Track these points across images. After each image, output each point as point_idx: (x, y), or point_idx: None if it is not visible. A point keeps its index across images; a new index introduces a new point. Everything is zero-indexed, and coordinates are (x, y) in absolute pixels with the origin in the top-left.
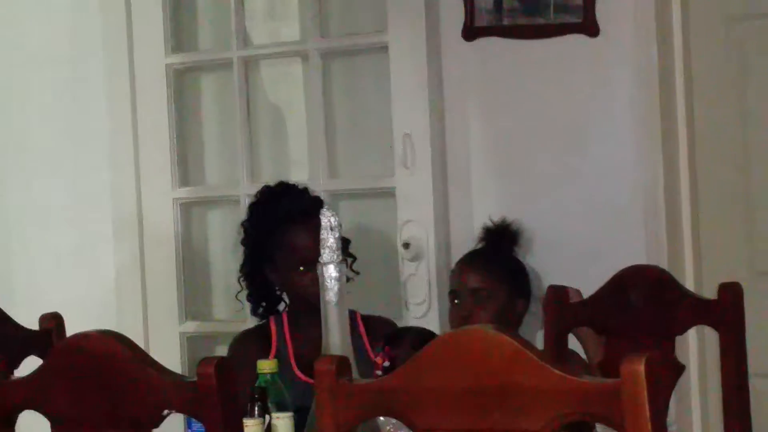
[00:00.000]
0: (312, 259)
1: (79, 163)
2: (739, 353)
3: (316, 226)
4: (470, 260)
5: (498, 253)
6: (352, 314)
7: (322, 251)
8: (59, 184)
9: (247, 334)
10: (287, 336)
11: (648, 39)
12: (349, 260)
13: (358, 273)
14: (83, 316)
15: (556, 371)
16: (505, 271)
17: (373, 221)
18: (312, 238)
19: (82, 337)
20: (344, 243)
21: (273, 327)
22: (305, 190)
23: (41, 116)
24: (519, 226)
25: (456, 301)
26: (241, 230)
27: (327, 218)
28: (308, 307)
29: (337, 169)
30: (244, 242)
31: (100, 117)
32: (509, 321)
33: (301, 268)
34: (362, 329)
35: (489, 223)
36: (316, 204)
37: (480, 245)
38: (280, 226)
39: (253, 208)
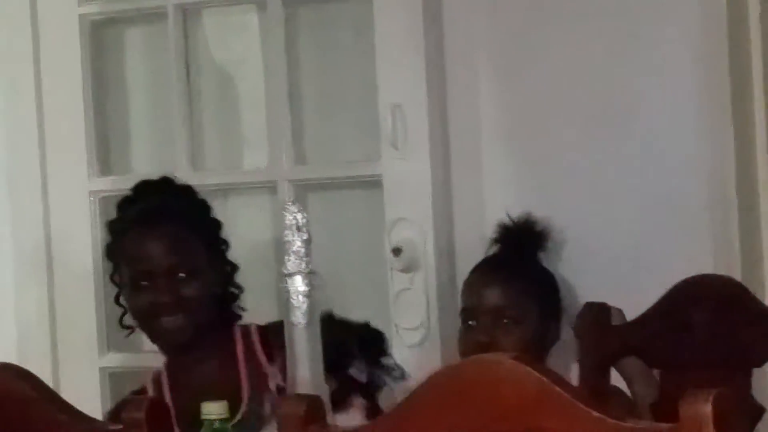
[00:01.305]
0: (157, 268)
1: None
2: None
3: (167, 228)
4: (490, 269)
5: (523, 261)
6: (246, 329)
7: (286, 258)
8: None
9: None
10: (166, 388)
11: None
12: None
13: (243, 309)
14: None
15: (595, 413)
16: (534, 284)
17: (352, 220)
18: (158, 240)
19: None
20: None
21: (150, 385)
22: (178, 188)
23: None
24: (546, 225)
25: (470, 322)
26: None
27: (292, 215)
28: (160, 344)
29: (304, 151)
30: (111, 278)
31: None
32: (538, 350)
33: (144, 283)
34: (258, 343)
35: (508, 221)
36: (177, 203)
37: (496, 250)
38: (123, 239)
39: (109, 226)
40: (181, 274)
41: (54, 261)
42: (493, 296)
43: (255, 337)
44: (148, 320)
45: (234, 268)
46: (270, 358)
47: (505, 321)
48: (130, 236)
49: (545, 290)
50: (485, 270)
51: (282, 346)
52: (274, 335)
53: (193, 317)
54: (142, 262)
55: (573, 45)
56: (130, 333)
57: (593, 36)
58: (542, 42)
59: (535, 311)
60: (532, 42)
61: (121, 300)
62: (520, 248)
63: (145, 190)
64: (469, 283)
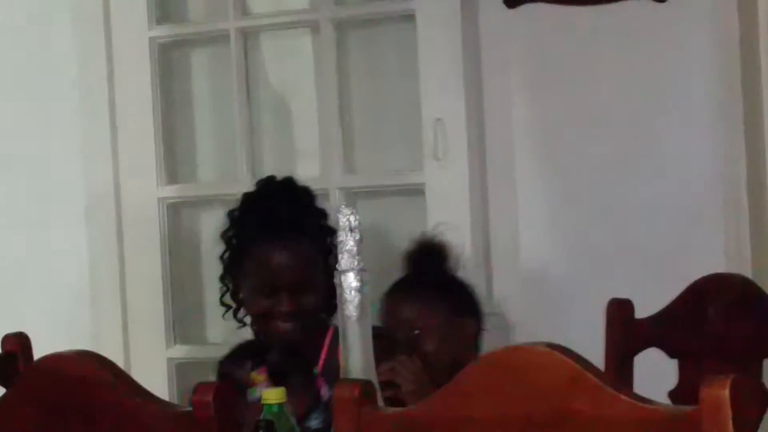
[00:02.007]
0: (283, 283)
1: (47, 158)
2: None
3: (294, 243)
4: (397, 291)
5: (428, 277)
6: (337, 331)
7: (339, 257)
8: (22, 181)
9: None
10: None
11: (728, 3)
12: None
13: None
14: (51, 338)
15: (624, 397)
16: (440, 294)
17: (397, 225)
18: (286, 256)
19: (57, 360)
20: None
21: None
22: (300, 194)
23: (4, 101)
24: (444, 240)
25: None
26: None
27: (346, 217)
28: (270, 340)
29: (354, 162)
30: (221, 259)
31: (72, 102)
32: (467, 345)
33: (266, 290)
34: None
35: (411, 246)
36: (302, 213)
37: (404, 273)
38: (249, 241)
39: (230, 215)
40: (303, 287)
41: (126, 263)
42: (405, 314)
43: (312, 389)
44: (265, 321)
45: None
46: None
47: (416, 332)
48: (259, 246)
49: (455, 295)
50: (394, 293)
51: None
52: None
53: (306, 324)
54: (269, 274)
55: (598, 67)
56: (242, 326)
57: (617, 60)
58: (571, 64)
59: (443, 314)
60: (562, 64)
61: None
62: (425, 267)
63: (271, 191)
64: (382, 309)
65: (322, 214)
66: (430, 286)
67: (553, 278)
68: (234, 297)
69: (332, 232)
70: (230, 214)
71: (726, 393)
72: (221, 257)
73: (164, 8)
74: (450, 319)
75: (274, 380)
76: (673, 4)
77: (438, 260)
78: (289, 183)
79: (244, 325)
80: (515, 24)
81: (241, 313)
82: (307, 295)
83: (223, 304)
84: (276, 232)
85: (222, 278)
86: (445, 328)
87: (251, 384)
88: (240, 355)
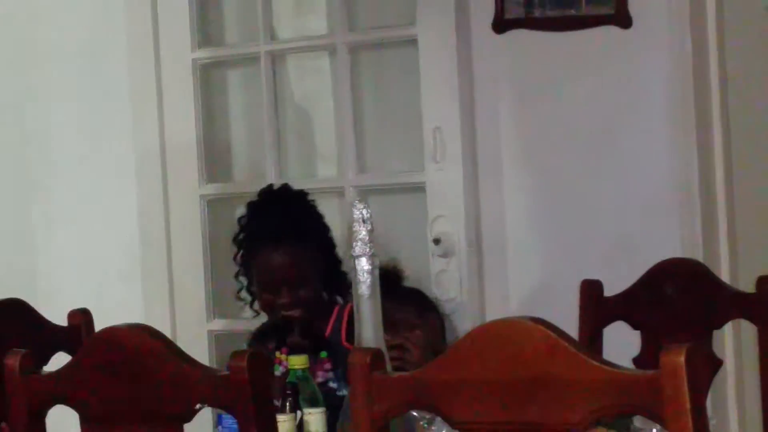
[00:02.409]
0: (282, 279)
1: (104, 161)
2: None
3: (289, 245)
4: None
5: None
6: (341, 310)
7: (354, 244)
8: (84, 182)
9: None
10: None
11: (682, 30)
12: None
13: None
14: (110, 316)
15: (596, 362)
16: (405, 303)
17: (402, 217)
18: (283, 257)
19: (114, 332)
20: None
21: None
22: (294, 199)
23: (65, 111)
24: (395, 263)
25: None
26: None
27: (359, 210)
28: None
29: (365, 164)
30: (235, 260)
31: (126, 113)
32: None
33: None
34: (345, 322)
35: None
36: (297, 216)
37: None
38: (253, 245)
39: (239, 222)
40: (298, 286)
41: (173, 250)
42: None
43: (344, 317)
44: (272, 311)
45: (339, 262)
46: (348, 337)
47: (407, 336)
48: (261, 249)
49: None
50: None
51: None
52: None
53: (307, 308)
54: (269, 273)
55: (573, 83)
56: (256, 315)
57: (589, 77)
58: (550, 81)
59: (427, 320)
60: (542, 81)
61: (248, 285)
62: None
63: (271, 198)
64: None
65: (316, 215)
66: (395, 301)
67: (535, 262)
68: (248, 291)
69: (326, 229)
70: (239, 221)
71: (682, 359)
72: (234, 258)
73: (205, 33)
74: (419, 318)
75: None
76: (635, 30)
77: (394, 279)
78: (285, 190)
79: (258, 314)
80: (502, 47)
81: (256, 304)
82: (305, 287)
83: (239, 299)
84: (274, 237)
85: (236, 276)
86: (418, 324)
87: (275, 362)
88: (263, 336)
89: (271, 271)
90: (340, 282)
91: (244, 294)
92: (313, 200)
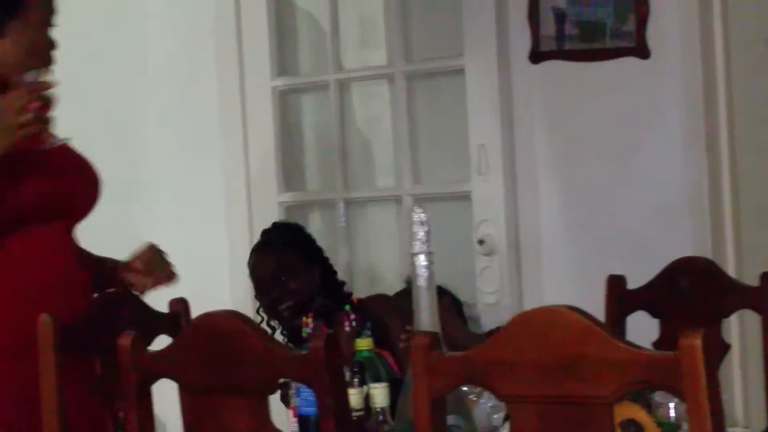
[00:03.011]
0: (268, 280)
1: (196, 173)
2: None
3: (275, 252)
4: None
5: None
6: (346, 313)
7: (413, 243)
8: (178, 191)
9: None
10: None
11: (693, 61)
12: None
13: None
14: (204, 304)
15: (622, 344)
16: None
17: (451, 221)
18: (266, 260)
19: (209, 317)
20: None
21: None
22: (285, 228)
23: (162, 129)
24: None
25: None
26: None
27: (418, 215)
28: (283, 326)
29: (420, 175)
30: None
31: (215, 132)
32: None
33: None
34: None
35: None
36: (286, 238)
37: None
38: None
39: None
40: (283, 278)
41: None
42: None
43: (347, 318)
44: (275, 313)
45: (334, 272)
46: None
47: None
48: (251, 262)
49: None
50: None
51: (366, 317)
52: (365, 306)
53: (299, 300)
54: (258, 276)
55: (599, 107)
56: (273, 332)
57: (613, 102)
58: (579, 105)
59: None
60: (572, 105)
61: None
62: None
63: (270, 229)
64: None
65: (303, 233)
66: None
67: (566, 259)
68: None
69: (313, 241)
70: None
71: (699, 341)
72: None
73: (282, 64)
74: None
75: (320, 320)
76: (653, 61)
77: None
78: (277, 225)
79: (274, 330)
80: (538, 75)
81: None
82: (290, 280)
83: (258, 313)
84: (260, 245)
85: (255, 296)
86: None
87: (303, 325)
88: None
89: (260, 274)
90: (339, 288)
91: (262, 312)
92: (302, 229)
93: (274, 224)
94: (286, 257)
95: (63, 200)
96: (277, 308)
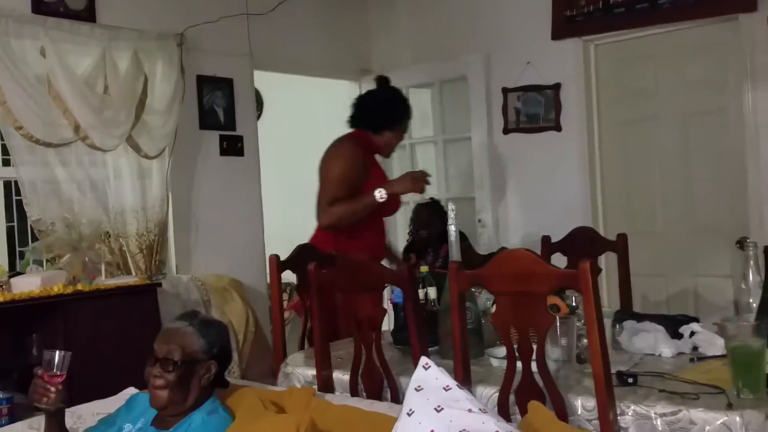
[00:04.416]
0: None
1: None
2: (625, 260)
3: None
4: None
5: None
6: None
7: (449, 220)
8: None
9: None
10: None
11: (583, 131)
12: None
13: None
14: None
15: (550, 266)
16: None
17: (466, 210)
18: (431, 218)
19: (350, 257)
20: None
21: None
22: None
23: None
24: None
25: None
26: None
27: (450, 208)
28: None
29: (450, 187)
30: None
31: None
32: None
33: None
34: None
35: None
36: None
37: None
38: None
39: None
40: (430, 228)
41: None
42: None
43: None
44: (416, 242)
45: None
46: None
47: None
48: (420, 210)
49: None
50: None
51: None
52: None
53: (430, 239)
54: (420, 221)
55: (538, 155)
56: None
57: (544, 156)
58: (528, 154)
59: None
60: (525, 153)
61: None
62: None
63: (432, 201)
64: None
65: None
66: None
67: (522, 230)
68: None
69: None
70: (420, 208)
71: (587, 266)
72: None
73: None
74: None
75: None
76: (564, 133)
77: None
78: (435, 200)
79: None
80: (507, 141)
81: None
82: (430, 237)
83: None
84: (429, 212)
85: (409, 232)
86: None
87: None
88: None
89: (422, 220)
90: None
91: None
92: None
93: (432, 198)
94: (435, 219)
95: (386, 205)
96: (419, 240)
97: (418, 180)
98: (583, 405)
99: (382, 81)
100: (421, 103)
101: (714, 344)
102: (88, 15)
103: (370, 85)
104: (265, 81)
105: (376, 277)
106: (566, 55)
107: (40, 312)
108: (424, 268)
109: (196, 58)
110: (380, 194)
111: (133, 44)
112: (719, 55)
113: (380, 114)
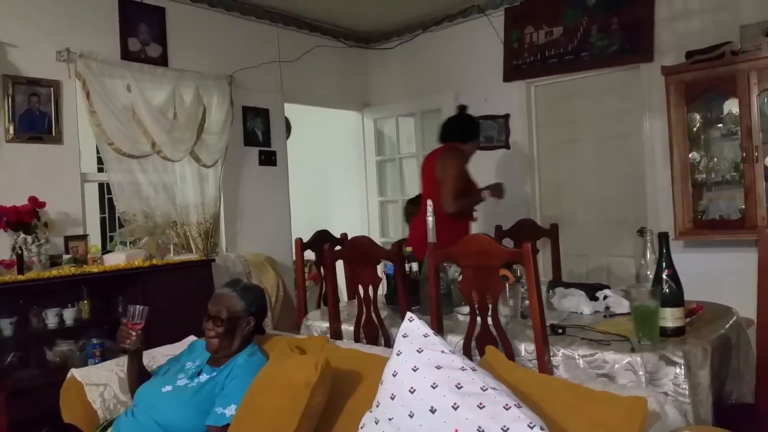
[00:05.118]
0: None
1: (352, 191)
2: (556, 244)
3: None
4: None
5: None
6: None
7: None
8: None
9: None
10: None
11: (525, 149)
12: None
13: None
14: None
15: (502, 246)
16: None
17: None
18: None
19: (355, 238)
20: None
21: None
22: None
23: (339, 192)
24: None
25: None
26: None
27: (429, 204)
28: None
29: None
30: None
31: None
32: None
33: None
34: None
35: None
36: None
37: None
38: None
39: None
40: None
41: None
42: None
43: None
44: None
45: None
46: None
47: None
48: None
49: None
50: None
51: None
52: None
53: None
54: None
55: (493, 168)
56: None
57: (497, 165)
58: (486, 166)
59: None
60: (486, 167)
61: None
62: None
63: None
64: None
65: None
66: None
67: (484, 220)
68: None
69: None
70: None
71: (529, 246)
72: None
73: (380, 147)
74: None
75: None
76: (513, 150)
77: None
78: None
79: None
80: (475, 157)
81: None
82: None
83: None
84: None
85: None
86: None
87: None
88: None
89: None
90: None
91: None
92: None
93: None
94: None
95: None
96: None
97: (504, 189)
98: (526, 349)
99: (463, 108)
100: (407, 128)
101: (621, 305)
102: (162, 60)
103: (370, 114)
104: (292, 110)
105: (373, 255)
106: (514, 93)
107: (124, 281)
108: (408, 248)
109: (242, 93)
110: (486, 194)
111: (196, 83)
112: (625, 94)
113: (467, 129)
